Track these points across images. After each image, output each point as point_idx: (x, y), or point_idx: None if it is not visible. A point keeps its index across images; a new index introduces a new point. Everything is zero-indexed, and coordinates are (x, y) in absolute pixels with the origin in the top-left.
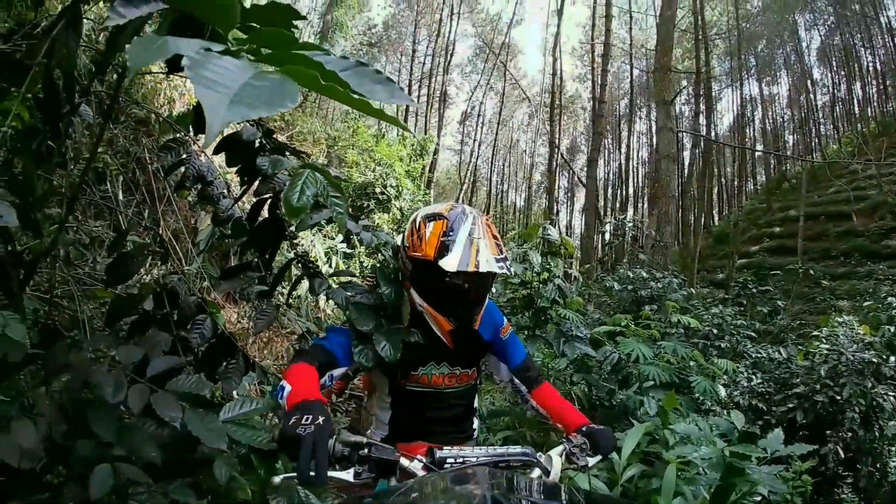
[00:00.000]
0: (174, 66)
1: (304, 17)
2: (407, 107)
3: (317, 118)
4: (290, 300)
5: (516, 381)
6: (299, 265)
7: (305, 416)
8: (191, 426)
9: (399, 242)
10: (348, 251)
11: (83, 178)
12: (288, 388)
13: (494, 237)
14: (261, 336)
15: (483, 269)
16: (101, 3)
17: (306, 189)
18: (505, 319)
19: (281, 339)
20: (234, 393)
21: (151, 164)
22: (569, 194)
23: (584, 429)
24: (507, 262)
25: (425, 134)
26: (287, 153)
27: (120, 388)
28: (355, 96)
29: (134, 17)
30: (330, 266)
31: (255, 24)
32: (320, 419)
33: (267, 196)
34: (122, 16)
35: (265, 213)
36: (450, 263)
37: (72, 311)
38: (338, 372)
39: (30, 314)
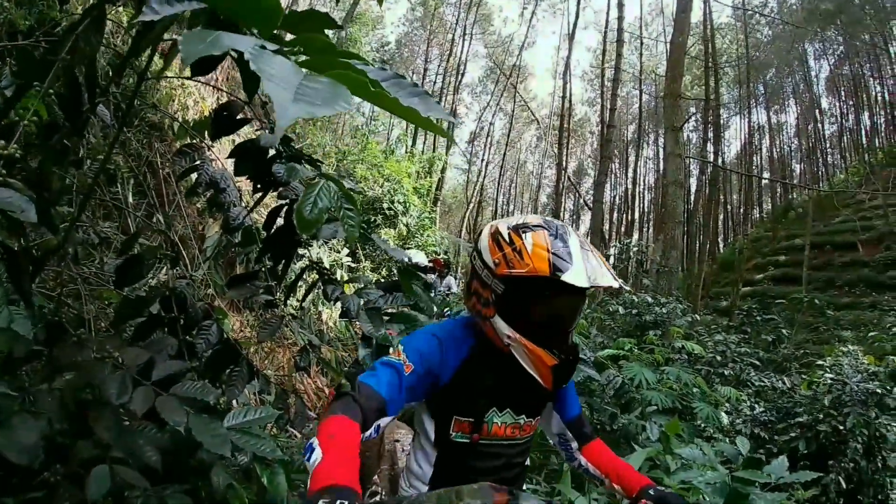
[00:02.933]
0: (198, 70)
1: (341, 27)
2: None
3: (327, 132)
4: (294, 311)
5: (568, 434)
6: (314, 272)
7: None
8: (195, 432)
9: (476, 261)
10: (353, 265)
11: (96, 179)
12: (318, 454)
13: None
14: (263, 346)
15: (608, 282)
16: (121, 7)
17: (319, 201)
18: None
19: (283, 350)
20: (234, 401)
21: (163, 168)
22: (574, 216)
23: (651, 492)
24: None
25: (434, 151)
26: (302, 162)
27: (125, 389)
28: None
29: (168, 15)
30: None
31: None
32: None
33: (283, 203)
34: (156, 13)
35: (280, 220)
36: (575, 277)
37: (76, 309)
38: (385, 421)
39: (35, 310)
